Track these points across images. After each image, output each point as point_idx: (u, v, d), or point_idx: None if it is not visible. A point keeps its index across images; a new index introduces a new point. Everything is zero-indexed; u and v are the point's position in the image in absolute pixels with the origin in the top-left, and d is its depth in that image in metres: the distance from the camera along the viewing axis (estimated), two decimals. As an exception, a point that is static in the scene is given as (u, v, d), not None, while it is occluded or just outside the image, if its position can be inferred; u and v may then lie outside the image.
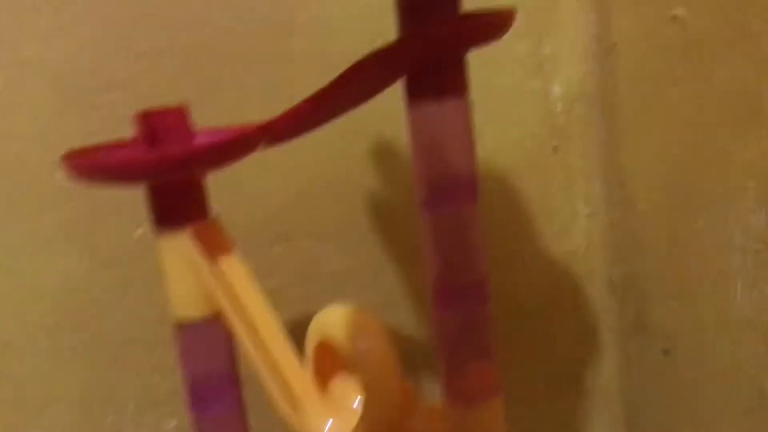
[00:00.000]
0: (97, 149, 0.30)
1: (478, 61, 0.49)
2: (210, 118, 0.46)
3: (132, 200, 0.46)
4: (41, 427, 0.47)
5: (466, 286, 0.28)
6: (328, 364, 0.31)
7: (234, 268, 0.30)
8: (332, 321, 0.29)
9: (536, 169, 0.51)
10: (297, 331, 0.51)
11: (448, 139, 0.27)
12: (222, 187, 0.34)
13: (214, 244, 0.30)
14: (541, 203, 0.52)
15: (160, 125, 0.29)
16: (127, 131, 0.45)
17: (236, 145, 0.29)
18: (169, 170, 0.28)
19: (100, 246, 0.46)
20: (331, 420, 0.30)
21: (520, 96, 0.49)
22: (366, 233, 0.50)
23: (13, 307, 0.46)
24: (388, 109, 0.46)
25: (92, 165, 0.28)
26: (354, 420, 0.30)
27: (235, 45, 0.46)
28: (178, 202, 0.29)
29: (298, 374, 0.31)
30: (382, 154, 0.49)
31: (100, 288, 0.47)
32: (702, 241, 0.43)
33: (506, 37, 0.49)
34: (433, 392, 0.33)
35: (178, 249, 0.29)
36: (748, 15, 0.37)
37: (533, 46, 0.50)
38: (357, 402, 0.31)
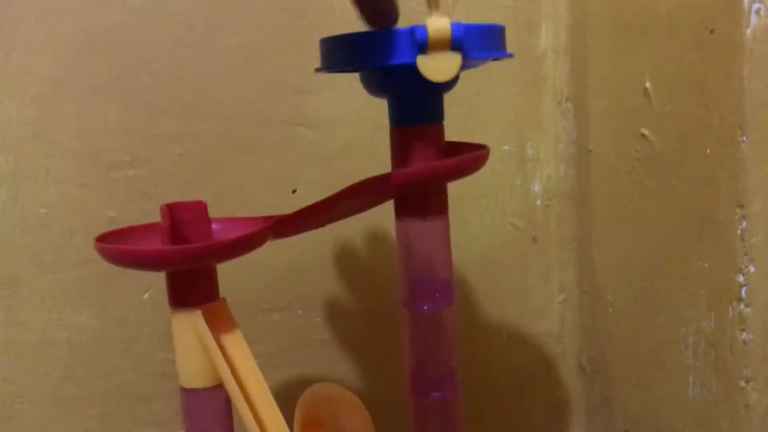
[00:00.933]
0: (124, 233, 0.35)
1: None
2: (218, 198, 0.51)
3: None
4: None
5: (439, 378, 0.32)
6: (314, 435, 0.35)
7: (236, 344, 0.34)
8: (318, 397, 0.33)
9: (516, 256, 0.55)
10: (289, 391, 0.54)
11: (428, 251, 0.31)
12: (229, 261, 0.38)
13: (220, 323, 0.34)
14: (520, 287, 0.56)
15: (182, 217, 0.33)
16: (142, 203, 0.49)
17: (249, 240, 0.33)
18: (190, 262, 0.32)
19: (110, 306, 0.50)
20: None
21: (504, 190, 0.54)
22: (351, 307, 0.54)
23: (27, 357, 0.50)
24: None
25: (122, 253, 0.32)
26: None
27: (244, 132, 0.51)
28: (192, 286, 0.33)
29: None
30: (367, 239, 0.53)
31: (108, 344, 0.51)
32: (660, 337, 0.47)
33: (495, 138, 0.54)
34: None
35: (190, 325, 0.33)
36: (703, 140, 0.41)
37: (518, 148, 0.54)
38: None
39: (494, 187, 0.54)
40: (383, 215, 0.52)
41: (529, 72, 0.54)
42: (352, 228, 0.53)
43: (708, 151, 0.41)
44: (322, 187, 0.36)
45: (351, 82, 0.52)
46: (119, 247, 0.33)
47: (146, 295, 0.51)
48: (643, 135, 0.47)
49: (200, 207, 0.35)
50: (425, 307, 0.31)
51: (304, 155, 0.51)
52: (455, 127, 0.48)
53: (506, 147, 0.54)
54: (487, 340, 0.57)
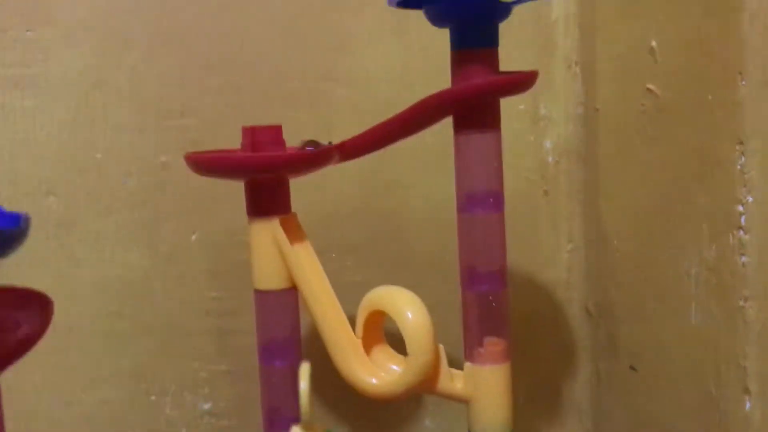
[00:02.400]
0: (211, 152, 0.39)
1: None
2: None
3: (189, 210, 0.54)
4: (91, 401, 0.54)
5: (487, 274, 0.37)
6: (373, 336, 0.40)
7: (306, 251, 0.39)
8: (385, 296, 0.38)
9: (528, 209, 0.61)
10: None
11: (484, 162, 0.36)
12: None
13: (293, 232, 0.39)
14: (531, 238, 0.61)
15: (261, 137, 0.38)
16: (192, 150, 0.53)
17: (317, 156, 0.38)
18: (266, 170, 0.37)
19: (159, 246, 0.54)
20: (374, 378, 0.38)
21: (518, 147, 0.59)
22: (382, 251, 0.58)
23: (79, 295, 0.53)
24: (401, 157, 0.56)
25: (209, 161, 0.37)
26: (394, 377, 0.38)
27: (285, 87, 0.55)
28: (271, 197, 0.38)
29: (351, 338, 0.39)
30: (396, 188, 0.58)
31: (157, 282, 0.54)
32: (664, 273, 0.52)
33: (511, 98, 0.59)
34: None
35: (268, 232, 0.38)
36: (705, 88, 0.47)
37: (531, 107, 0.60)
38: (396, 366, 0.39)
39: (510, 144, 0.58)
40: (407, 169, 0.57)
41: (542, 39, 0.59)
42: (382, 178, 0.57)
43: (710, 97, 0.47)
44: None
45: (385, 41, 0.57)
46: (210, 154, 0.37)
47: (194, 237, 0.55)
48: (648, 90, 0.52)
49: (276, 130, 0.39)
50: (480, 212, 0.36)
51: (339, 111, 0.56)
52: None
53: (521, 107, 0.59)
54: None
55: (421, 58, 0.57)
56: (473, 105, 0.35)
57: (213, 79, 0.54)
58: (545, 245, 0.62)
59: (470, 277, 0.37)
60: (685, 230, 0.51)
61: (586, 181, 0.61)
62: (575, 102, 0.60)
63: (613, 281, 0.58)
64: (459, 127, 0.36)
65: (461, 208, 0.36)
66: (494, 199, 0.36)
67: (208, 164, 0.37)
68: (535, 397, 0.62)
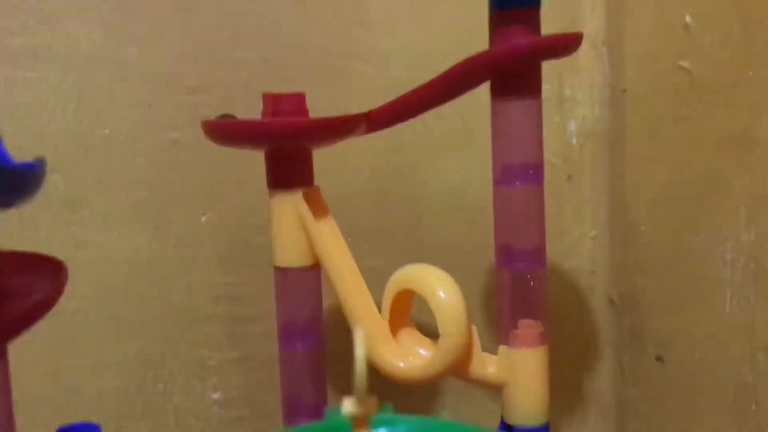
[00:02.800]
0: (229, 121, 0.37)
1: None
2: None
3: (199, 189, 0.52)
4: (96, 388, 0.51)
5: (524, 251, 0.35)
6: (400, 318, 0.38)
7: (330, 227, 0.37)
8: (415, 275, 0.35)
9: (552, 193, 0.57)
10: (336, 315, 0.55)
11: (522, 130, 0.33)
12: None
13: (316, 206, 0.36)
14: (554, 223, 0.58)
15: (283, 105, 0.36)
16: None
17: (342, 124, 0.35)
18: (289, 137, 0.34)
19: (169, 228, 0.52)
20: (402, 361, 0.36)
21: (544, 127, 0.57)
22: (396, 237, 0.56)
23: (86, 277, 0.51)
24: (418, 139, 0.54)
25: (228, 127, 0.34)
26: (424, 361, 0.35)
27: (302, 63, 0.53)
28: (294, 168, 0.36)
29: (378, 319, 0.37)
30: (413, 171, 0.56)
31: (166, 266, 0.52)
32: (696, 259, 0.50)
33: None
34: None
35: (290, 206, 0.35)
36: (743, 66, 0.45)
37: (556, 88, 0.57)
38: (424, 351, 0.36)
39: (534, 125, 0.57)
40: (424, 152, 0.55)
41: (567, 18, 0.57)
42: (398, 161, 0.55)
43: (750, 73, 0.45)
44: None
45: (406, 17, 0.54)
46: (228, 121, 0.35)
47: (204, 218, 0.52)
48: (681, 67, 0.50)
49: (300, 98, 0.37)
50: (518, 184, 0.34)
51: (357, 87, 0.54)
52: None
53: (546, 87, 0.56)
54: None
55: (443, 35, 0.55)
56: (513, 69, 0.33)
57: (227, 54, 0.52)
58: (568, 232, 0.59)
59: (506, 254, 0.35)
60: (720, 214, 0.49)
61: (612, 165, 0.58)
62: (601, 83, 0.58)
63: (639, 269, 0.56)
64: (497, 94, 0.34)
65: (498, 180, 0.34)
66: (534, 171, 0.34)
67: (227, 131, 0.34)
68: (555, 389, 0.59)
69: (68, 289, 0.51)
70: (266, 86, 0.53)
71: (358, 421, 0.19)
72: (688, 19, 0.49)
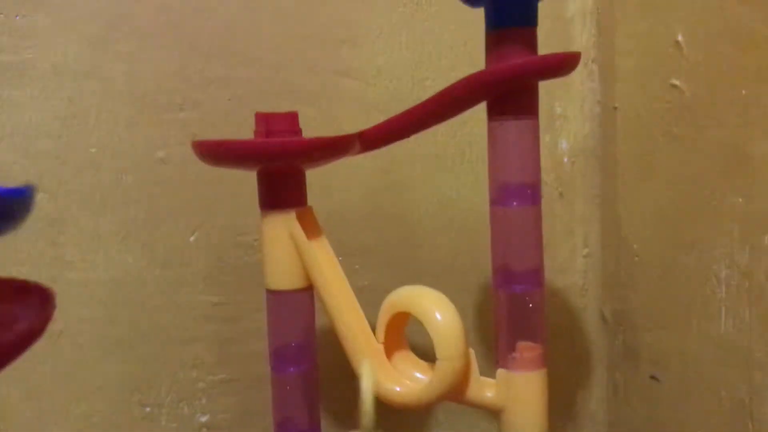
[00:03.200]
0: (220, 141, 0.36)
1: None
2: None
3: (188, 208, 0.51)
4: (81, 413, 0.50)
5: (522, 272, 0.34)
6: (395, 341, 0.37)
7: (324, 248, 0.36)
8: (411, 296, 0.35)
9: (543, 212, 0.57)
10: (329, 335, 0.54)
11: (519, 150, 0.33)
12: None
13: (310, 227, 0.36)
14: (546, 241, 0.58)
15: (275, 124, 0.35)
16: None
17: (336, 143, 0.35)
18: (282, 157, 0.33)
19: (157, 248, 0.51)
20: (398, 386, 0.35)
21: (534, 145, 0.57)
22: (389, 256, 0.55)
23: (70, 298, 0.50)
24: (410, 158, 0.53)
25: (219, 148, 0.34)
26: (420, 385, 0.35)
27: (291, 80, 0.52)
28: (286, 188, 0.35)
29: (372, 342, 0.36)
30: (406, 189, 0.55)
31: (152, 286, 0.51)
32: (690, 277, 0.50)
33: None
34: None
35: (283, 226, 0.35)
36: (736, 85, 0.45)
37: (547, 106, 0.57)
38: (420, 374, 0.36)
39: (525, 142, 0.57)
40: (417, 170, 0.54)
41: (558, 36, 0.57)
42: (390, 179, 0.55)
43: (744, 92, 0.44)
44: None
45: (394, 34, 0.54)
46: (220, 141, 0.34)
47: (192, 238, 0.51)
48: (673, 85, 0.50)
49: (292, 117, 0.36)
50: (514, 203, 0.33)
51: (348, 105, 0.53)
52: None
53: (537, 104, 0.57)
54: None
55: (434, 52, 0.54)
56: (510, 89, 0.32)
57: (214, 71, 0.51)
58: (560, 250, 0.59)
59: (504, 276, 0.34)
60: (714, 232, 0.48)
61: (603, 183, 0.58)
62: (592, 100, 0.58)
63: (633, 287, 0.56)
64: (494, 114, 0.33)
65: (495, 201, 0.34)
66: (532, 191, 0.33)
67: (218, 151, 0.33)
68: (548, 408, 0.59)
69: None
70: (255, 103, 0.53)
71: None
72: (679, 37, 0.49)
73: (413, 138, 0.55)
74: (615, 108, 0.56)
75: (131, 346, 0.51)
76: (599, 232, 0.59)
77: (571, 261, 0.59)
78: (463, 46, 0.55)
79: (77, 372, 0.50)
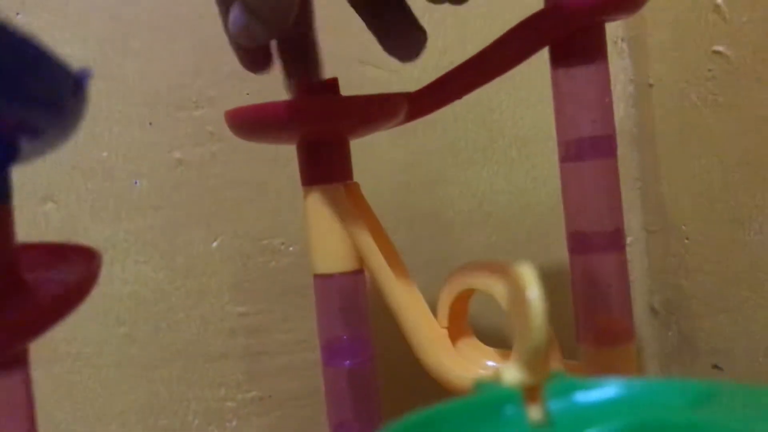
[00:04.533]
0: (257, 105, 0.32)
1: (535, 100, 0.53)
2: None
3: (208, 213, 0.47)
4: (104, 441, 0.46)
5: (599, 234, 0.31)
6: (458, 325, 0.33)
7: (375, 225, 0.32)
8: (480, 273, 0.31)
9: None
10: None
11: (589, 100, 0.30)
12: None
13: (358, 202, 0.32)
14: (586, 231, 0.55)
15: (316, 88, 0.32)
16: (210, 145, 0.47)
17: (382, 104, 0.32)
18: (325, 119, 0.30)
19: (177, 256, 0.47)
20: (471, 374, 0.31)
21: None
22: (425, 252, 0.52)
23: (86, 316, 0.46)
24: (440, 151, 0.50)
25: (256, 113, 0.30)
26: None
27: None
28: (330, 159, 0.31)
29: (436, 327, 0.32)
30: (437, 184, 0.52)
31: (174, 298, 0.47)
32: (751, 254, 0.47)
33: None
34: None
35: (329, 202, 0.31)
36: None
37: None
38: (492, 362, 0.32)
39: (554, 131, 0.54)
40: (448, 164, 0.51)
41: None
42: (420, 174, 0.51)
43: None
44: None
45: (420, 20, 0.51)
46: (257, 105, 0.30)
47: (215, 244, 0.48)
48: (716, 52, 0.47)
49: (333, 83, 0.33)
50: (585, 159, 0.30)
51: (371, 93, 0.50)
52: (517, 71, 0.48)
53: (568, 86, 0.54)
54: (546, 291, 0.55)
55: (459, 38, 0.52)
56: (575, 28, 0.29)
57: (230, 65, 0.48)
58: (602, 239, 0.55)
59: (580, 241, 0.31)
60: (773, 201, 0.45)
61: (641, 167, 0.55)
62: (624, 80, 0.55)
63: (685, 272, 0.52)
64: (558, 60, 0.30)
65: (565, 157, 0.30)
66: (606, 143, 0.30)
67: (255, 118, 0.30)
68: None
69: (68, 331, 0.46)
70: (274, 97, 0.49)
71: (529, 390, 0.14)
72: (719, 1, 0.47)
73: (442, 128, 0.52)
74: (650, 85, 0.53)
75: (153, 365, 0.47)
76: (641, 218, 0.56)
77: (613, 251, 0.56)
78: (488, 31, 0.52)
79: (96, 397, 0.46)
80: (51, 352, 0.45)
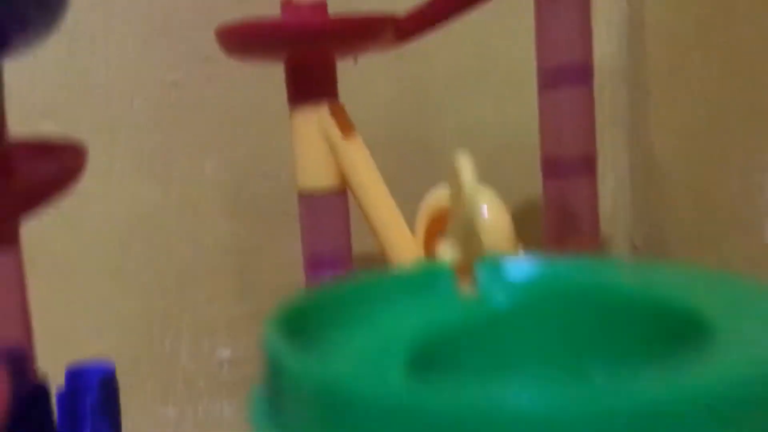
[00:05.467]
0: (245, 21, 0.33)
1: (525, 41, 0.54)
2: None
3: (204, 135, 0.49)
4: (98, 348, 0.48)
5: (572, 159, 0.32)
6: (434, 245, 0.35)
7: (358, 145, 0.34)
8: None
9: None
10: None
11: (569, 26, 0.31)
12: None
13: (343, 122, 0.33)
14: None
15: (304, 10, 0.32)
16: (206, 67, 0.48)
17: (368, 25, 0.32)
18: (312, 37, 0.31)
19: (172, 177, 0.48)
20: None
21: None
22: (413, 181, 0.53)
23: (82, 231, 0.47)
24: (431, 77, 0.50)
25: (245, 30, 0.31)
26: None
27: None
28: (315, 79, 0.32)
29: (411, 243, 0.34)
30: (427, 112, 0.53)
31: (169, 217, 0.49)
32: (729, 190, 0.48)
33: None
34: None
35: (313, 121, 0.32)
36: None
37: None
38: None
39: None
40: (439, 91, 0.51)
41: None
42: (410, 101, 0.52)
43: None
44: None
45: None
46: (243, 23, 0.31)
47: (209, 165, 0.49)
48: (709, -9, 0.48)
49: (321, 5, 0.34)
50: (564, 86, 0.31)
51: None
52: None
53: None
54: (538, 225, 0.57)
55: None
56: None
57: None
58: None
59: (551, 163, 0.32)
60: (756, 141, 0.46)
61: (631, 106, 0.56)
62: (618, 15, 0.56)
63: (665, 209, 0.54)
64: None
65: (544, 84, 0.31)
66: (582, 71, 0.31)
67: (244, 35, 0.31)
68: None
69: (65, 244, 0.48)
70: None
71: (462, 268, 0.16)
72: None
73: (434, 54, 0.53)
74: (643, 21, 0.54)
75: (148, 280, 0.49)
76: (628, 157, 0.57)
77: (600, 188, 0.57)
78: None
79: (93, 308, 0.48)
80: (49, 265, 0.47)
